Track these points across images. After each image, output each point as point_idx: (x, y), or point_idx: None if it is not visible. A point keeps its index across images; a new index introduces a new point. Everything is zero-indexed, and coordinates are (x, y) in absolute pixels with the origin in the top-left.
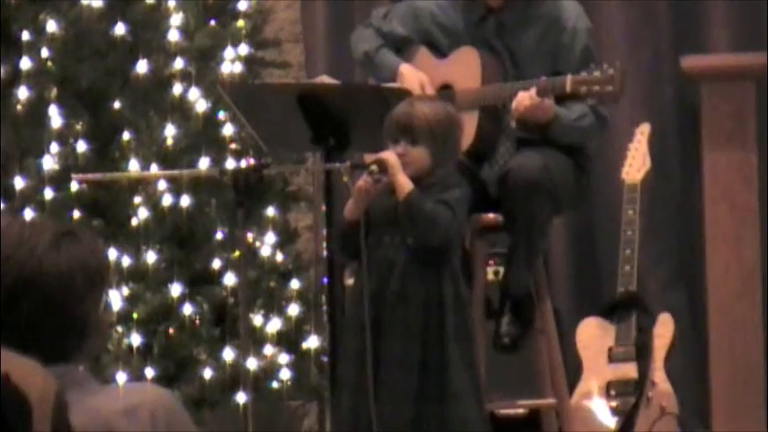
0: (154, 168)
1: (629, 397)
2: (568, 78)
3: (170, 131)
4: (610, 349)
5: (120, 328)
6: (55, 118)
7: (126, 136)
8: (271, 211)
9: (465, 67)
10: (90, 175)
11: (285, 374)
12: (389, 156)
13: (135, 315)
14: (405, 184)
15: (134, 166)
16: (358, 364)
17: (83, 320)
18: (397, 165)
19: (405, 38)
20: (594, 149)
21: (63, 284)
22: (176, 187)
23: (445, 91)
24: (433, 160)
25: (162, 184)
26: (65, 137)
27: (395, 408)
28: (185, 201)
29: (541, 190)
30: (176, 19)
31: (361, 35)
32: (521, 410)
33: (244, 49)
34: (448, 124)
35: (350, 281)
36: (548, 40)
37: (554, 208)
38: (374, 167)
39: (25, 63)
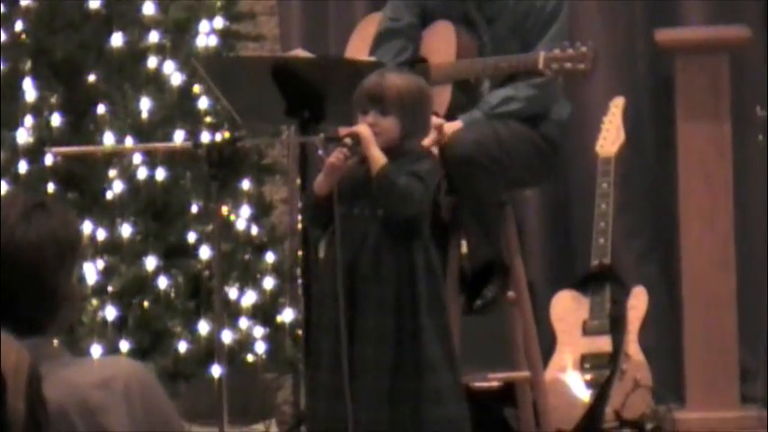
0: (129, 141)
1: (604, 370)
2: (541, 56)
3: (145, 104)
4: (584, 322)
5: (94, 301)
6: (29, 91)
7: (101, 109)
8: (246, 184)
9: (440, 42)
10: (65, 149)
11: (260, 347)
12: (363, 129)
13: (110, 288)
14: (378, 158)
15: (109, 139)
16: (333, 337)
17: (55, 292)
18: (371, 138)
19: (411, 24)
20: (563, 119)
21: (34, 256)
22: (151, 160)
23: (420, 64)
24: (403, 131)
25: (137, 157)
26: (39, 110)
27: (371, 380)
28: (160, 174)
29: (475, 164)
30: None
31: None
32: (495, 383)
33: (219, 22)
34: (419, 96)
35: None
36: (522, 4)
37: (498, 181)
38: (348, 140)
39: None
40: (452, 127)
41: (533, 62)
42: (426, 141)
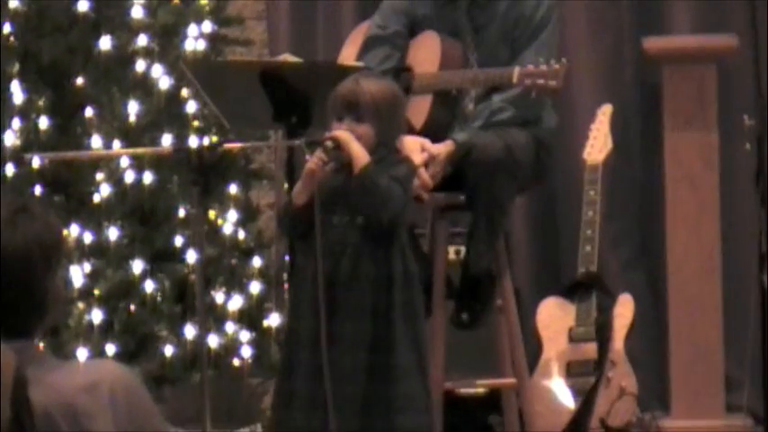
0: (116, 145)
1: (589, 377)
2: (516, 70)
3: (133, 108)
4: (570, 329)
5: (81, 305)
6: (17, 94)
7: (88, 112)
8: (233, 189)
9: (425, 52)
10: (52, 154)
11: (246, 352)
12: (342, 132)
13: (96, 291)
14: (361, 155)
15: (96, 142)
16: (311, 346)
17: (40, 296)
18: (351, 138)
19: (397, 33)
20: (552, 128)
21: (20, 260)
22: (138, 164)
23: (403, 73)
24: (378, 138)
25: (124, 161)
26: (26, 112)
27: (345, 387)
28: (148, 177)
29: (503, 170)
30: None
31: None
32: (481, 389)
33: (207, 26)
34: (393, 102)
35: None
36: (512, 12)
37: (516, 187)
38: (329, 143)
39: None
40: (442, 148)
41: (508, 76)
42: (417, 160)
